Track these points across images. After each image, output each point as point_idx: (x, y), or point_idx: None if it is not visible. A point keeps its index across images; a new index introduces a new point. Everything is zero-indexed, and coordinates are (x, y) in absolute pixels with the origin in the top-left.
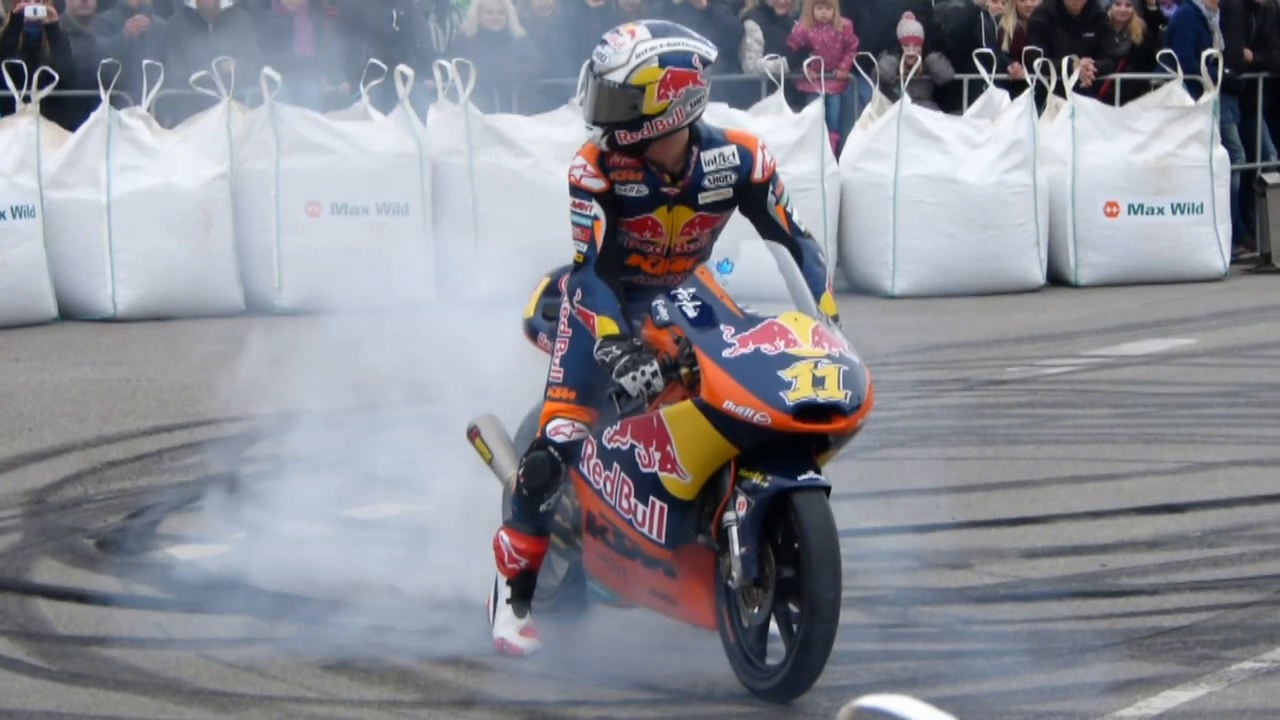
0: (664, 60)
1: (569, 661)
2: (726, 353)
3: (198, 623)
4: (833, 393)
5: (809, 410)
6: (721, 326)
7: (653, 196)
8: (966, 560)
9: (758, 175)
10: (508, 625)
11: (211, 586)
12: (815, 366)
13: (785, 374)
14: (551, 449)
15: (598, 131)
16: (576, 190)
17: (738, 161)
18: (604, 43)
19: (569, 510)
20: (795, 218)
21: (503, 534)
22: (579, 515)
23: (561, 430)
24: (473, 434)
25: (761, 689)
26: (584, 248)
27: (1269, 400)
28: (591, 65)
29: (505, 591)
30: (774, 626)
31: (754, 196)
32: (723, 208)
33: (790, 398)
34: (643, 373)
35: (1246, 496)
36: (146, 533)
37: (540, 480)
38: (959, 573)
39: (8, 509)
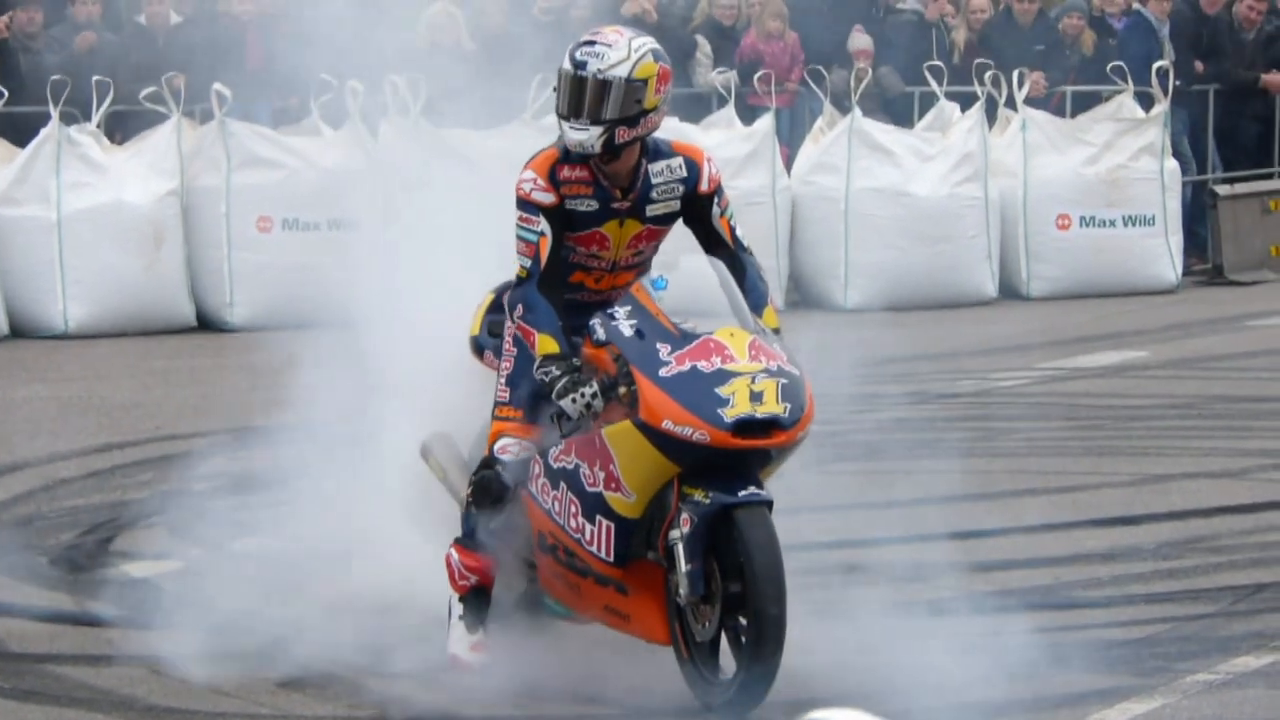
0: (656, 56)
1: (524, 677)
2: (663, 371)
3: (151, 640)
4: (771, 407)
5: (748, 426)
6: (658, 345)
7: (602, 211)
8: (920, 574)
9: (704, 187)
10: (460, 642)
11: (164, 603)
12: (752, 381)
13: (722, 390)
14: (499, 468)
15: (595, 132)
16: (524, 204)
17: (685, 173)
18: (591, 43)
19: (521, 529)
20: (739, 232)
21: (453, 551)
22: (529, 534)
23: (509, 449)
24: (425, 453)
25: (715, 704)
26: (527, 263)
27: (1221, 413)
28: (583, 66)
29: (457, 608)
30: (724, 641)
31: (699, 208)
32: (669, 220)
33: (728, 414)
34: (582, 395)
35: (1200, 509)
36: (99, 550)
37: (488, 499)
38: (913, 586)
39: None
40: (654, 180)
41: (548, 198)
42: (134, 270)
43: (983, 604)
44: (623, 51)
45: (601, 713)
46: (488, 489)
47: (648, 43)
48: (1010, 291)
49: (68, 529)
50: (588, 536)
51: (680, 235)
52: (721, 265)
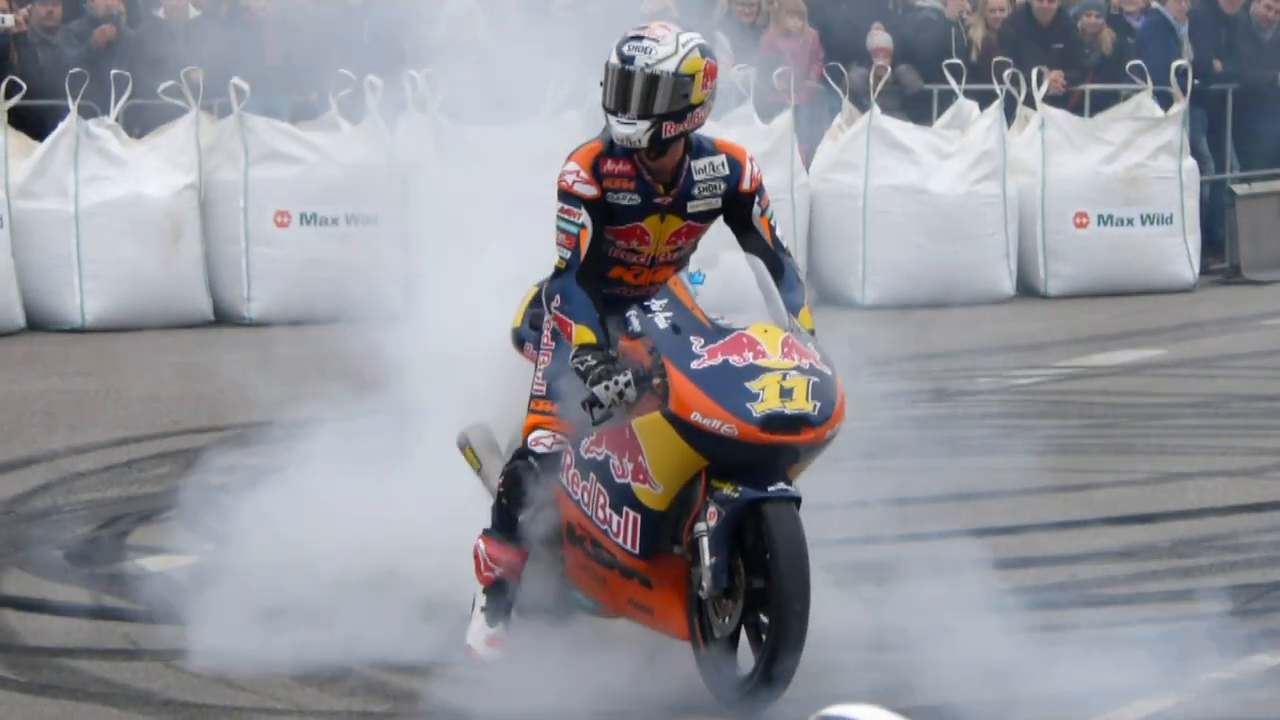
0: (703, 51)
1: (539, 673)
2: (695, 364)
3: (166, 634)
4: (800, 404)
5: (776, 421)
6: (691, 338)
7: (644, 205)
8: (936, 571)
9: (746, 185)
10: (478, 634)
11: (180, 598)
12: (783, 378)
13: (752, 385)
14: (532, 459)
15: (643, 126)
16: (567, 195)
17: (727, 171)
18: (639, 38)
19: (551, 521)
20: (778, 232)
21: (480, 543)
22: (560, 525)
23: (542, 441)
24: (462, 444)
25: (732, 700)
26: (567, 254)
27: (1238, 411)
28: (630, 60)
29: (480, 600)
30: (744, 637)
31: (741, 206)
32: (709, 217)
33: (757, 409)
34: (616, 382)
35: (1216, 507)
36: (115, 544)
37: (519, 491)
38: (930, 583)
39: None
40: (696, 177)
41: (590, 190)
42: (151, 264)
43: (999, 601)
44: (670, 46)
45: (616, 709)
46: (519, 480)
47: (695, 38)
48: (1028, 289)
49: (84, 523)
50: (614, 528)
51: (721, 231)
52: (760, 263)
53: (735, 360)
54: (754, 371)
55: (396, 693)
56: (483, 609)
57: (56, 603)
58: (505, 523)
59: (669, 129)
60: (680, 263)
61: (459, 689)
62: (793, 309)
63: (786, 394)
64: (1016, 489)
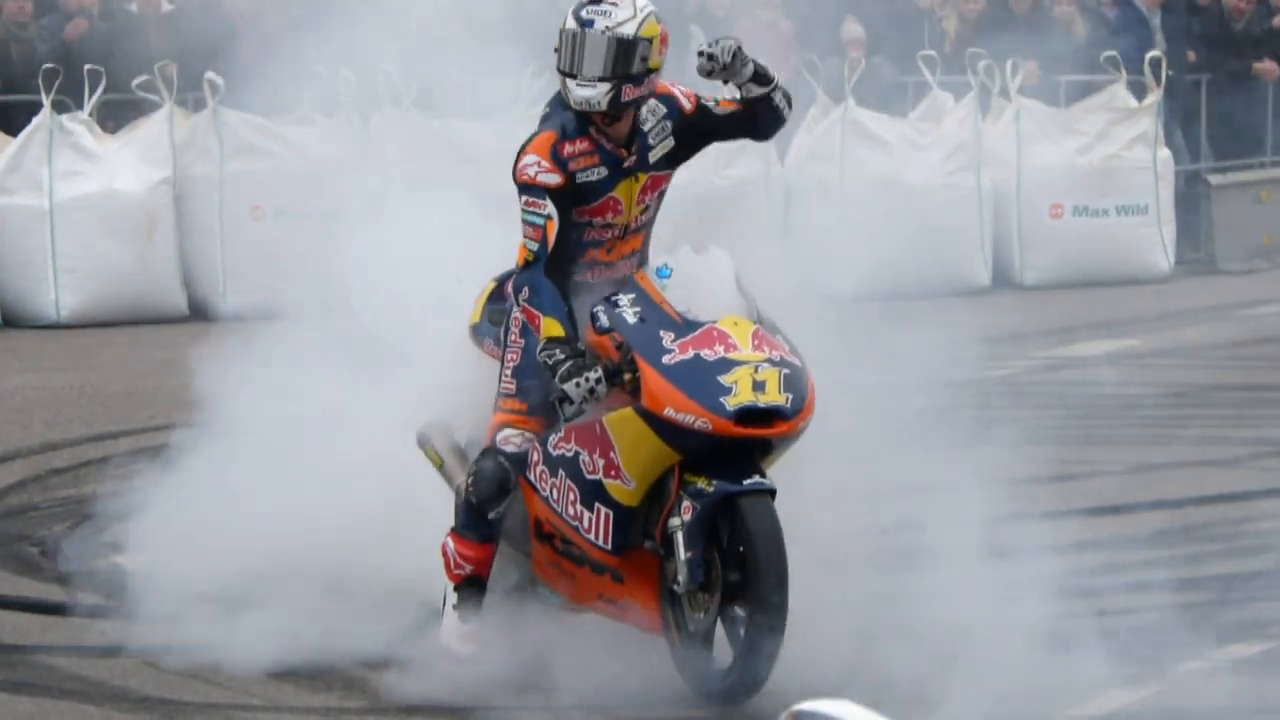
0: (658, 18)
1: (515, 667)
2: (666, 359)
3: (143, 631)
4: (773, 397)
5: (750, 415)
6: (661, 332)
7: (613, 174)
8: (912, 562)
9: (686, 106)
10: (452, 631)
11: (156, 595)
12: (755, 371)
13: (725, 379)
14: (501, 458)
15: (603, 89)
16: (530, 188)
17: (665, 109)
18: (597, 2)
19: (518, 518)
20: (737, 94)
21: (449, 540)
22: (526, 523)
23: (511, 440)
24: (423, 441)
25: (709, 693)
26: (535, 246)
27: (1214, 401)
28: (590, 24)
29: (452, 598)
30: (720, 630)
31: (697, 125)
32: (669, 162)
33: (730, 403)
34: (586, 379)
35: (1193, 498)
36: (92, 540)
37: (489, 489)
38: (905, 576)
39: None
40: (644, 128)
41: (554, 179)
42: (126, 259)
43: (977, 592)
44: (629, 10)
45: (592, 703)
46: (488, 479)
47: (649, 4)
48: (1004, 280)
49: (60, 520)
50: (586, 524)
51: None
52: (725, 258)
53: (706, 354)
54: (726, 365)
55: (372, 688)
56: (454, 607)
57: (33, 599)
58: (474, 521)
59: (628, 92)
60: (647, 229)
61: (436, 684)
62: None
63: (759, 387)
64: (993, 480)
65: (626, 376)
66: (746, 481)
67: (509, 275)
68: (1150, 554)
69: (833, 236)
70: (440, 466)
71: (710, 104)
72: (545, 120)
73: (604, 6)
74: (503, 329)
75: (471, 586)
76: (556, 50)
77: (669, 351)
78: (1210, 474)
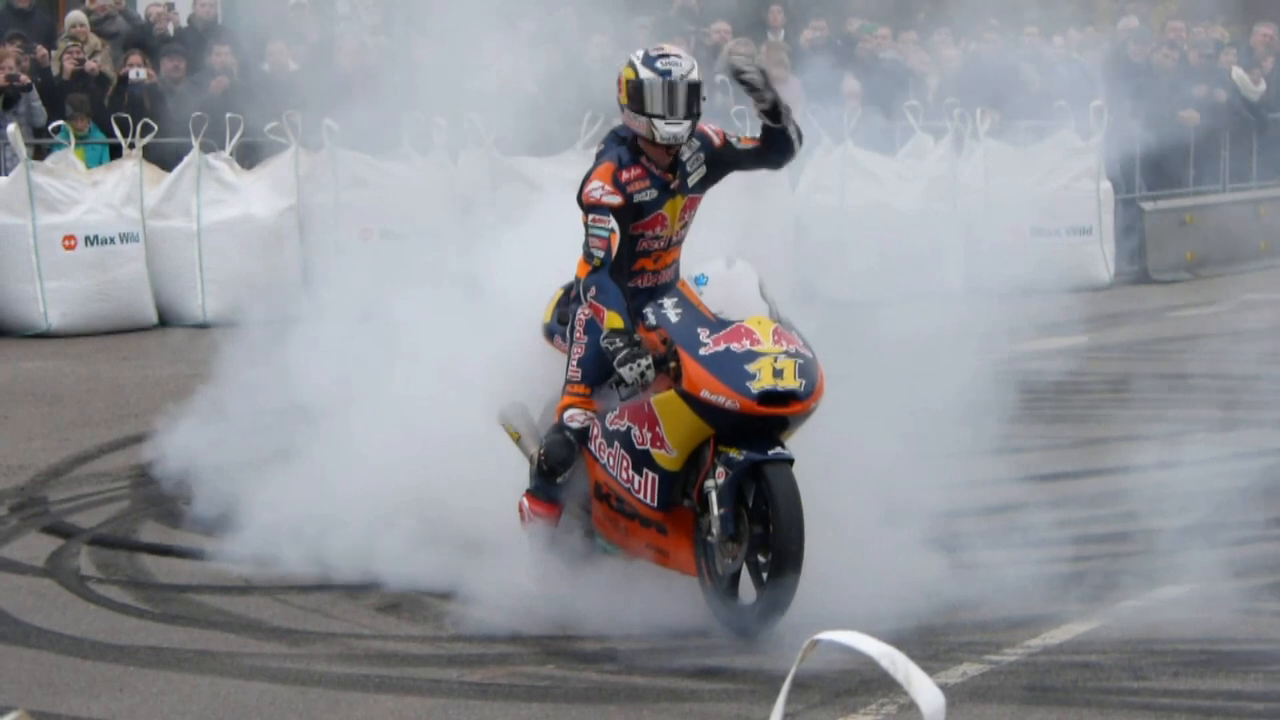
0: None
1: (576, 606)
2: (702, 351)
3: (273, 574)
4: (790, 382)
5: (770, 397)
6: (698, 329)
7: (661, 194)
8: (902, 519)
9: (716, 142)
10: (529, 573)
11: (286, 545)
12: (775, 361)
13: (750, 368)
14: (567, 433)
15: (687, 125)
16: (596, 208)
17: (699, 143)
18: (665, 55)
19: (580, 482)
20: (756, 133)
21: (525, 500)
22: (587, 486)
23: (576, 418)
24: (503, 419)
25: (735, 626)
26: (600, 254)
27: (1147, 387)
28: (668, 74)
29: (527, 546)
30: (745, 573)
31: (723, 156)
32: (702, 186)
33: (754, 387)
34: (638, 364)
35: (1131, 466)
36: (232, 500)
37: (558, 459)
38: (895, 530)
39: (120, 481)
40: (683, 158)
41: (615, 199)
42: (259, 271)
43: (952, 544)
44: (689, 62)
45: (642, 633)
46: (558, 450)
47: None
48: (975, 287)
49: (205, 482)
50: (636, 486)
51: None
52: (751, 271)
53: (735, 347)
54: (751, 356)
55: (459, 620)
56: (529, 554)
57: (182, 547)
58: (545, 484)
59: (699, 127)
60: (682, 241)
61: (512, 618)
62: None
63: (778, 374)
64: (965, 450)
65: (671, 365)
66: (771, 452)
67: (573, 285)
68: (1095, 511)
69: (834, 252)
70: (518, 440)
71: (734, 140)
72: (602, 154)
73: (672, 59)
74: (569, 328)
75: (543, 537)
76: (629, 95)
77: (705, 345)
78: (1145, 447)
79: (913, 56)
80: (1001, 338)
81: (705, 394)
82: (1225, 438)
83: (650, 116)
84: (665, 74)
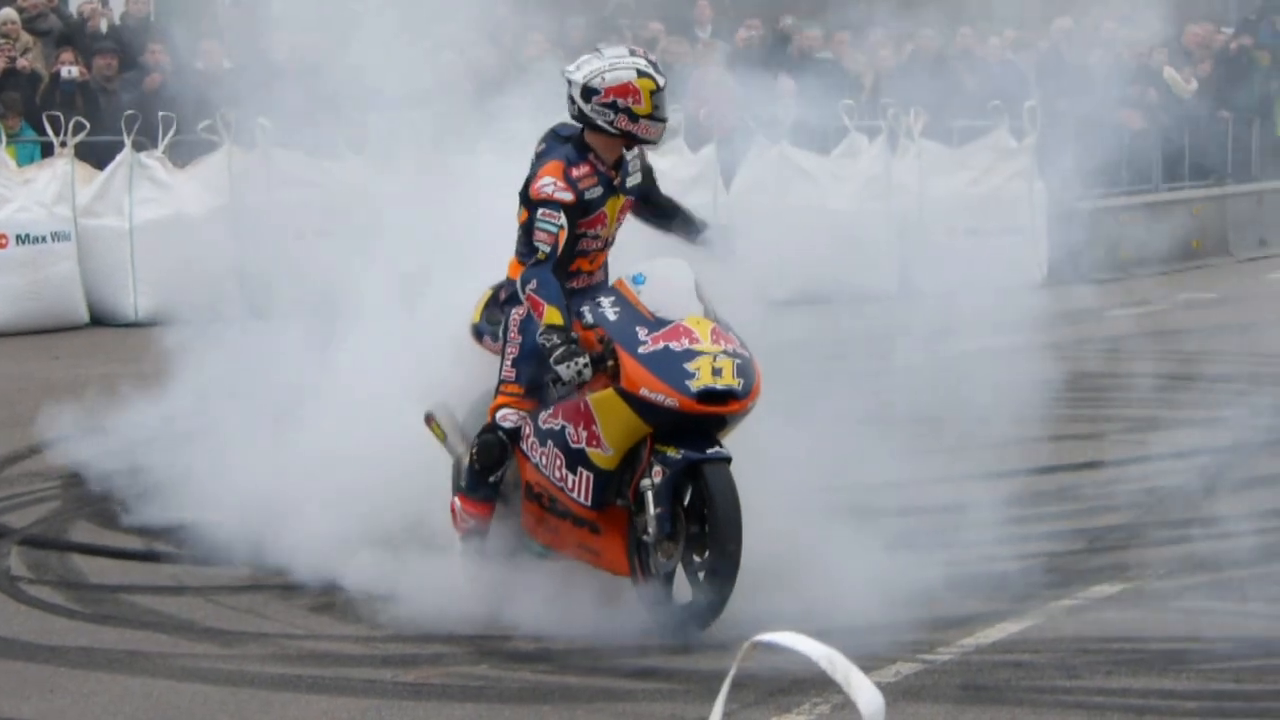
0: None
1: (510, 605)
2: (641, 349)
3: (206, 574)
4: (728, 381)
5: (709, 395)
6: (637, 328)
7: (606, 192)
8: (837, 518)
9: (648, 161)
10: (461, 573)
11: (217, 545)
12: (714, 360)
13: (689, 366)
14: (500, 433)
15: (665, 125)
16: (547, 203)
17: (638, 151)
18: (651, 60)
19: (510, 483)
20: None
21: (456, 500)
22: (518, 486)
23: (509, 418)
24: (429, 419)
25: (671, 625)
26: (547, 249)
27: (1080, 386)
28: (659, 79)
29: (459, 547)
30: (680, 573)
31: (648, 179)
32: (636, 191)
33: (694, 386)
34: (576, 362)
35: (1065, 465)
36: (161, 499)
37: (490, 459)
38: (828, 529)
39: (51, 481)
40: (627, 158)
41: (568, 196)
42: (192, 270)
43: (886, 542)
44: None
45: (573, 634)
46: (490, 450)
47: None
48: (909, 286)
49: (137, 482)
50: (570, 485)
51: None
52: (686, 267)
53: (674, 346)
54: (690, 355)
55: (394, 619)
56: (461, 554)
57: (114, 548)
58: (477, 484)
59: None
60: (612, 244)
61: (446, 618)
62: (701, 226)
63: (717, 373)
64: (898, 450)
65: (609, 363)
66: (709, 451)
67: (503, 285)
68: (1028, 511)
69: (769, 252)
70: (444, 440)
71: (655, 176)
72: (547, 153)
73: (653, 63)
74: (502, 328)
75: (475, 537)
76: (615, 97)
77: (644, 343)
78: (1078, 446)
79: (847, 56)
80: (935, 337)
81: (644, 392)
82: (1157, 437)
83: (642, 117)
84: (656, 78)
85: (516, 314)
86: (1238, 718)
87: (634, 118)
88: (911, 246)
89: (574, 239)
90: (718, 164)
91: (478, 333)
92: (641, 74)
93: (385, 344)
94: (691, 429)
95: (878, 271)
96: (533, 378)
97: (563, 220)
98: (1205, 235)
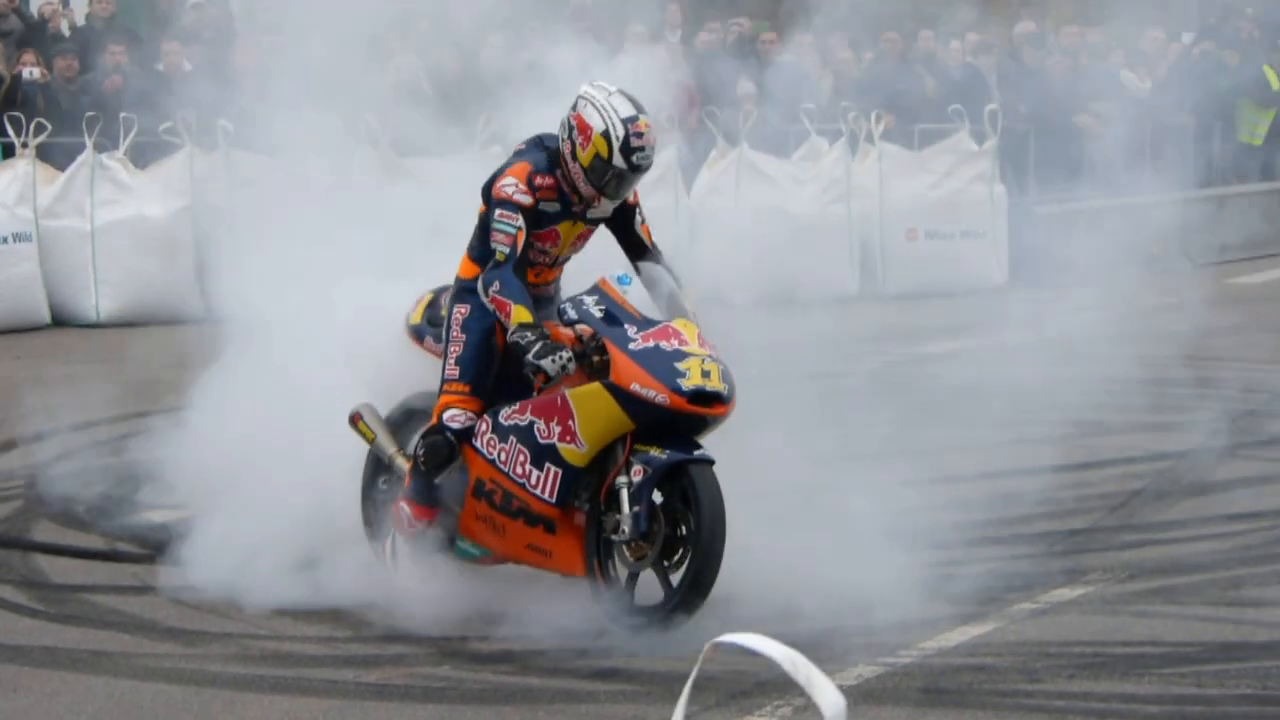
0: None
1: (464, 607)
2: (632, 345)
3: (169, 573)
4: (716, 384)
5: (701, 396)
6: (626, 325)
7: (563, 211)
8: (796, 521)
9: (631, 199)
10: (410, 576)
11: (180, 545)
12: (703, 362)
13: (680, 365)
14: (447, 434)
15: (599, 195)
16: (507, 203)
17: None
18: (642, 149)
19: (460, 480)
20: (655, 237)
21: (403, 505)
22: (462, 486)
23: (457, 418)
24: (355, 419)
25: (632, 627)
26: (506, 250)
27: (1041, 390)
28: (637, 170)
29: (404, 550)
30: (649, 574)
31: (626, 216)
32: (600, 222)
33: (685, 384)
34: (560, 356)
35: (1024, 469)
36: (127, 500)
37: (438, 460)
38: (788, 532)
39: (13, 480)
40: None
41: (526, 199)
42: (154, 271)
43: (846, 546)
44: (654, 152)
45: (534, 635)
46: (438, 452)
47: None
48: (868, 290)
49: (99, 483)
50: (533, 481)
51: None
52: (652, 269)
53: (665, 345)
54: (680, 355)
55: (355, 621)
56: (409, 558)
57: (78, 547)
58: (423, 486)
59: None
60: (564, 264)
61: (403, 619)
62: (662, 278)
63: (706, 375)
64: (859, 454)
65: (595, 359)
66: (696, 452)
67: (444, 288)
68: (988, 515)
69: (729, 255)
70: (372, 441)
71: (639, 215)
72: (522, 154)
73: (646, 152)
74: (444, 327)
75: (424, 541)
76: (592, 165)
77: (634, 340)
78: (1038, 449)
79: (808, 58)
80: (895, 340)
81: (635, 387)
82: (1117, 441)
83: (599, 189)
84: (636, 169)
85: (459, 312)
86: None
87: (573, 155)
88: (871, 250)
89: (526, 246)
90: (678, 167)
91: (418, 334)
92: (605, 135)
93: (315, 344)
94: (671, 430)
95: (837, 274)
96: (477, 375)
97: (520, 222)
98: (1165, 240)
